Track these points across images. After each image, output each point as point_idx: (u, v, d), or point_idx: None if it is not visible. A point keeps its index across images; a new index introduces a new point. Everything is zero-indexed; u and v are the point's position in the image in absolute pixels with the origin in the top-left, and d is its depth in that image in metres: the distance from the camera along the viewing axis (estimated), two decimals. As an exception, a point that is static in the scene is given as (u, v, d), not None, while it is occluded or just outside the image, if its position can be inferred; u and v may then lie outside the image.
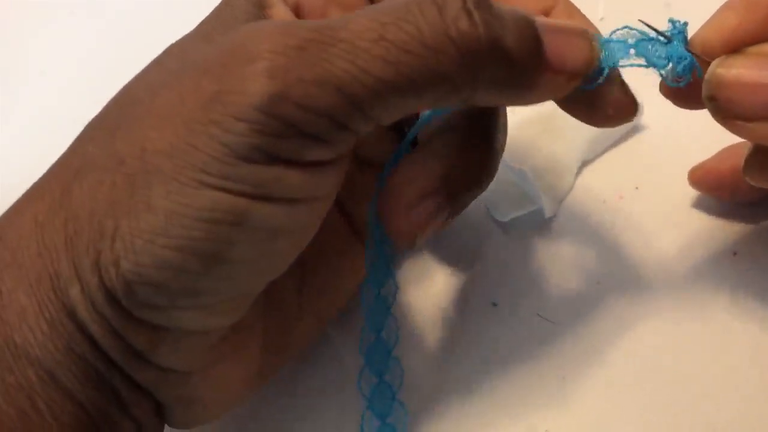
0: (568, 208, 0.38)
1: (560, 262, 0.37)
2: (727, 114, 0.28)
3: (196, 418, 0.29)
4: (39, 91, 0.48)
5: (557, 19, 0.29)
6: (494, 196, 0.38)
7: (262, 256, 0.26)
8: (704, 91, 0.28)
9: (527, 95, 0.27)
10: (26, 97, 0.47)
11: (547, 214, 0.38)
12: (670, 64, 0.29)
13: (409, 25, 0.24)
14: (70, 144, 0.29)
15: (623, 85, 0.29)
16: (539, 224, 0.38)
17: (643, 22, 0.30)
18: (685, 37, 0.29)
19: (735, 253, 0.36)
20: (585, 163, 0.39)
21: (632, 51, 0.29)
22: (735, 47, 0.28)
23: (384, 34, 0.24)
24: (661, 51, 0.29)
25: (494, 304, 0.36)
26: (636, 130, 0.40)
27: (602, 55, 0.29)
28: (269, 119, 0.24)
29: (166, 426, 0.29)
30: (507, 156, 0.33)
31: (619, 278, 0.36)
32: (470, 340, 0.36)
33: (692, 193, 0.37)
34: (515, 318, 0.36)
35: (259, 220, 0.25)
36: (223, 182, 0.24)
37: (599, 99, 0.29)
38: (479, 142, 0.30)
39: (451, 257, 0.38)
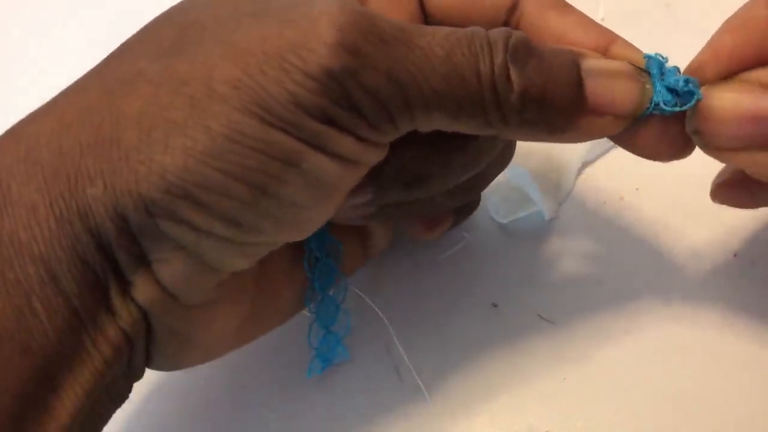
0: (569, 209, 0.38)
1: (560, 262, 0.37)
2: (710, 146, 0.28)
3: (181, 360, 0.30)
4: (39, 91, 0.47)
5: (608, 60, 0.29)
6: (495, 198, 0.38)
7: (304, 204, 0.27)
8: (688, 126, 0.28)
9: (565, 136, 0.28)
10: (26, 97, 0.47)
11: (548, 215, 0.38)
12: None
13: (472, 57, 0.26)
14: (107, 57, 0.29)
15: (663, 124, 0.28)
16: (540, 225, 0.38)
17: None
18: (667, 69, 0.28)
19: (735, 254, 0.36)
20: (586, 164, 0.39)
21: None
22: (730, 72, 0.28)
23: (451, 55, 0.26)
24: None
25: (494, 305, 0.36)
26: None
27: (654, 93, 0.28)
28: (335, 86, 0.25)
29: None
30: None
31: (619, 279, 0.36)
32: (470, 340, 0.36)
33: (693, 194, 0.37)
34: (515, 318, 0.36)
35: (312, 166, 0.26)
36: (283, 125, 0.25)
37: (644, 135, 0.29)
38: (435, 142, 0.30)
39: (451, 257, 0.38)
